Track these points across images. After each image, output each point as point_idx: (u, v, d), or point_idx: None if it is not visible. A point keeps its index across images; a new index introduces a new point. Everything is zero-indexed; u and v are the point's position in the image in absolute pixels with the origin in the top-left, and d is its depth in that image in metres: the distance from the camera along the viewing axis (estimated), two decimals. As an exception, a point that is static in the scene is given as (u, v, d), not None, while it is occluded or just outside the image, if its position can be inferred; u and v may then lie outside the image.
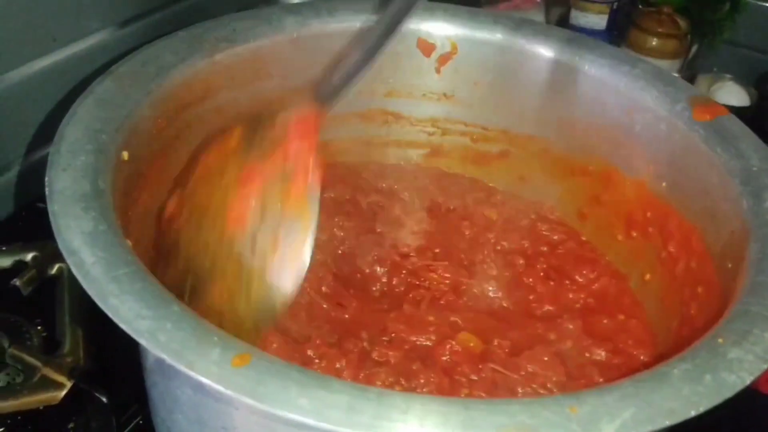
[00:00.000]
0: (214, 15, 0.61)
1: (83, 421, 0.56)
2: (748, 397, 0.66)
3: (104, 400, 0.55)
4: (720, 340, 0.36)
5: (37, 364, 0.56)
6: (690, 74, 1.09)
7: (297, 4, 0.65)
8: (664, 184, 0.57)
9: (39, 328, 0.61)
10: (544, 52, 0.63)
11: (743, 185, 0.48)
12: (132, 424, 0.55)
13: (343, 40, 0.62)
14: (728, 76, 1.07)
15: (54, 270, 0.64)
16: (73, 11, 0.70)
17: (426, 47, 0.65)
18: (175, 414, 0.43)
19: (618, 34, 1.07)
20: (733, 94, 1.06)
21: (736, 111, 1.01)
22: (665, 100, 0.56)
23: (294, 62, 0.62)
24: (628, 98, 0.59)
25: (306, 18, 0.62)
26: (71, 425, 0.56)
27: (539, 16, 1.10)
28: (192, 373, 0.32)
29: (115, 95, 0.49)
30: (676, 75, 1.00)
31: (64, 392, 0.55)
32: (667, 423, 0.32)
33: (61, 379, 0.55)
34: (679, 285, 0.53)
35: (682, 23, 1.04)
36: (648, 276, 0.58)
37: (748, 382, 0.34)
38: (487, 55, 0.65)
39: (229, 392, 0.31)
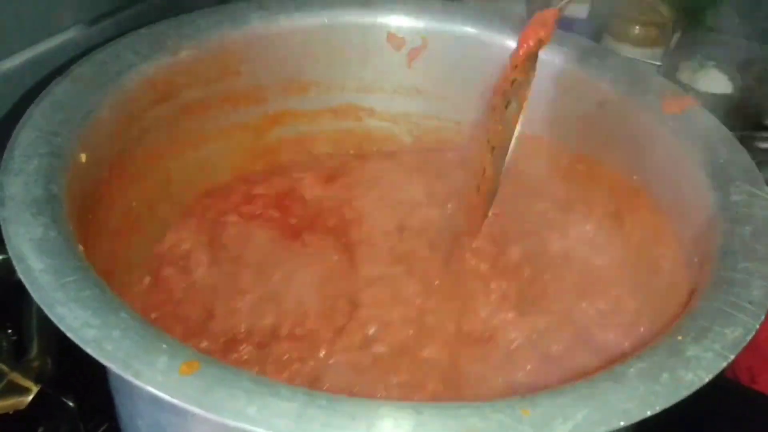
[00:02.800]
0: (189, 11, 0.60)
1: (52, 426, 0.55)
2: (729, 389, 0.67)
3: (71, 404, 0.54)
4: (679, 338, 0.36)
5: (5, 369, 0.56)
6: (673, 62, 1.08)
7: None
8: (635, 177, 0.56)
9: (9, 332, 0.60)
10: (513, 44, 0.62)
11: (710, 178, 0.48)
12: (100, 430, 0.54)
13: (310, 36, 0.61)
14: (711, 63, 1.07)
15: (24, 273, 0.63)
16: (42, 9, 0.69)
17: (396, 42, 0.64)
18: (136, 419, 0.42)
19: (600, 22, 1.06)
20: (716, 81, 1.05)
21: (720, 98, 1.02)
22: (635, 93, 0.56)
23: (262, 59, 0.61)
24: (598, 90, 0.58)
25: (272, 14, 0.61)
26: (41, 429, 0.55)
27: (520, 7, 1.09)
28: (138, 382, 0.31)
29: (73, 96, 0.48)
30: (654, 64, 1.01)
31: (30, 397, 0.54)
32: (622, 424, 0.31)
33: (28, 384, 0.55)
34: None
35: (664, 11, 1.04)
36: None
37: (706, 380, 0.34)
38: (459, 49, 0.64)
39: (175, 401, 0.30)
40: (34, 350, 0.57)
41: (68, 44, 0.71)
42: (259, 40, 0.60)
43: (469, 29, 0.64)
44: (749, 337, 0.36)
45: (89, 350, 0.32)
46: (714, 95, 1.02)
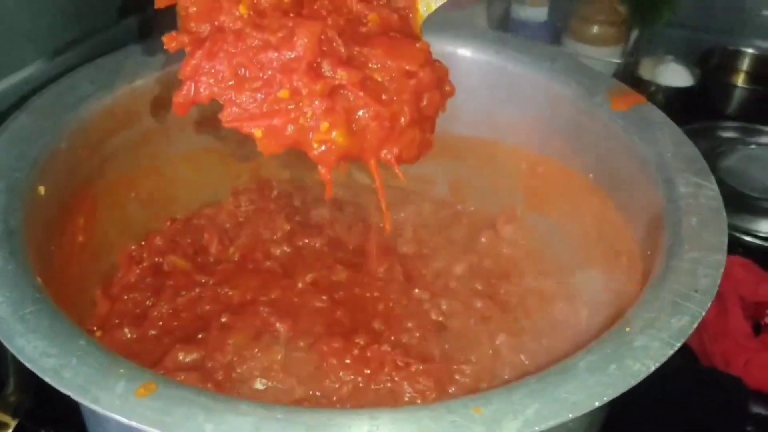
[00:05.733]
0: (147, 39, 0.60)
1: (32, 459, 0.55)
2: (705, 375, 0.68)
3: (50, 437, 0.55)
4: (627, 329, 0.37)
5: (-18, 405, 0.56)
6: (634, 58, 1.10)
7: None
8: (592, 174, 0.57)
9: (-14, 367, 0.60)
10: (468, 53, 0.63)
11: (658, 172, 0.49)
12: (78, 462, 0.55)
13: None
14: (671, 57, 1.09)
15: None
16: (3, 45, 0.69)
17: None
18: (108, 445, 0.43)
19: (560, 24, 1.08)
20: (676, 74, 1.07)
21: (681, 91, 1.04)
22: (585, 93, 0.57)
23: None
24: (550, 92, 0.60)
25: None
26: (21, 464, 0.55)
27: (481, 13, 1.10)
28: (97, 408, 0.32)
29: (30, 130, 0.49)
30: (615, 62, 1.02)
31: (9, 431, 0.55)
32: (570, 416, 0.32)
33: (6, 419, 0.55)
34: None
35: (621, 10, 1.05)
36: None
37: (653, 368, 0.35)
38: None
39: (132, 423, 0.31)
40: (11, 385, 0.58)
41: (30, 78, 0.71)
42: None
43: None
44: (696, 325, 0.37)
45: (48, 379, 0.33)
46: (675, 88, 1.04)
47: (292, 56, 0.41)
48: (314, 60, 0.41)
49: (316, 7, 0.44)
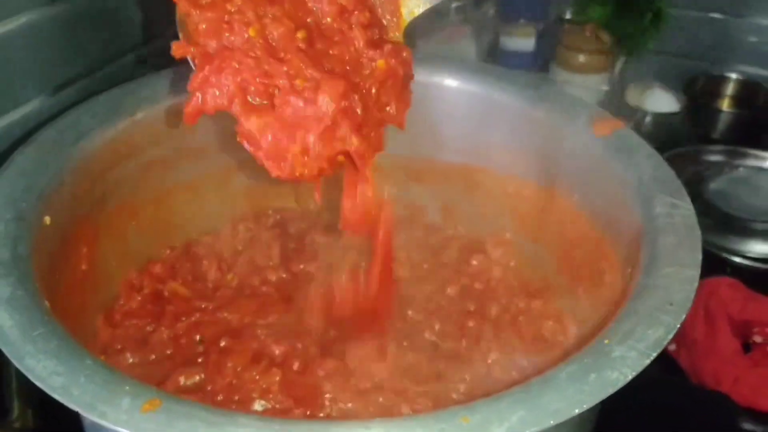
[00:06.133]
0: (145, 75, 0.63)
1: (37, 483, 0.57)
2: (696, 393, 0.69)
3: (54, 459, 0.56)
4: (606, 341, 0.39)
5: (-13, 431, 0.57)
6: (620, 85, 1.13)
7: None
8: (575, 197, 0.59)
9: (-8, 395, 0.62)
10: (455, 83, 0.66)
11: (637, 194, 0.51)
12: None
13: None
14: (657, 83, 1.11)
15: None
16: (5, 82, 0.71)
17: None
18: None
19: (547, 54, 1.11)
20: (662, 101, 1.10)
21: (667, 116, 1.07)
22: (568, 119, 0.60)
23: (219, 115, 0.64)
24: (534, 120, 0.62)
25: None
26: (27, 487, 0.57)
27: (470, 46, 1.13)
28: (104, 423, 0.33)
29: (36, 163, 0.51)
30: (602, 89, 1.05)
31: (14, 457, 0.56)
32: (552, 422, 0.34)
33: (11, 444, 0.57)
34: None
35: (606, 38, 1.08)
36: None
37: (630, 377, 0.36)
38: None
39: (138, 437, 0.33)
40: (15, 411, 0.59)
41: (32, 114, 0.73)
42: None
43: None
44: (670, 336, 0.39)
45: (57, 396, 0.35)
46: (662, 114, 1.07)
47: (315, 112, 0.44)
48: (334, 123, 0.44)
49: (331, 58, 0.46)
